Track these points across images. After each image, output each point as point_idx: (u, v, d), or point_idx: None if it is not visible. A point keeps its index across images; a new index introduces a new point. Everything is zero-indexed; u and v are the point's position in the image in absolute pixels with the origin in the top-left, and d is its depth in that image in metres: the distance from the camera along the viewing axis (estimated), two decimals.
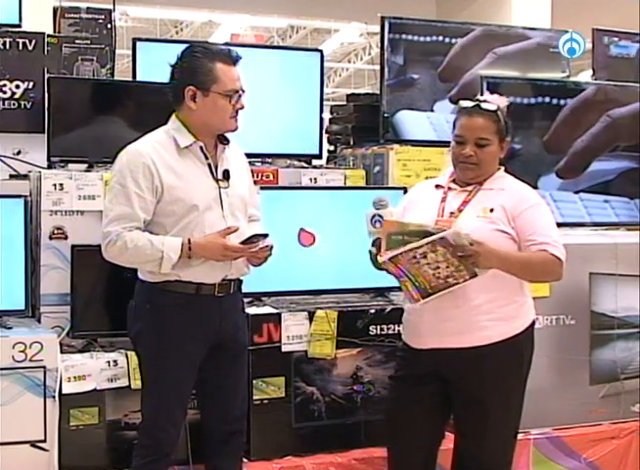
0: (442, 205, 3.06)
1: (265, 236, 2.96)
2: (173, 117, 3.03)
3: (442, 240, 2.78)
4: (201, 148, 2.99)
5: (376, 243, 2.97)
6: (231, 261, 2.98)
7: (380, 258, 2.89)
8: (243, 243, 2.91)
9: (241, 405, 3.18)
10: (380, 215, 2.98)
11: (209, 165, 3.00)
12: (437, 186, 3.15)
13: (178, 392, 3.02)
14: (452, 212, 3.03)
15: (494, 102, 3.09)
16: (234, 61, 2.99)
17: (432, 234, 2.79)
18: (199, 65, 2.95)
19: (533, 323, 3.11)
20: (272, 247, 3.01)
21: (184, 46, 3.06)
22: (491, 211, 2.99)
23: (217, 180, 3.00)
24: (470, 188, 3.07)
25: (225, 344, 3.04)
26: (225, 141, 3.06)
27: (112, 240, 2.90)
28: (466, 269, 2.83)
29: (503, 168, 3.16)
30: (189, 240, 2.90)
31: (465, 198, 3.05)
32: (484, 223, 2.97)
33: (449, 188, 3.11)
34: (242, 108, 2.99)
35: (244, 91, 3.00)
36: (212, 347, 3.02)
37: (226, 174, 3.02)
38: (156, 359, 2.99)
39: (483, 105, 3.07)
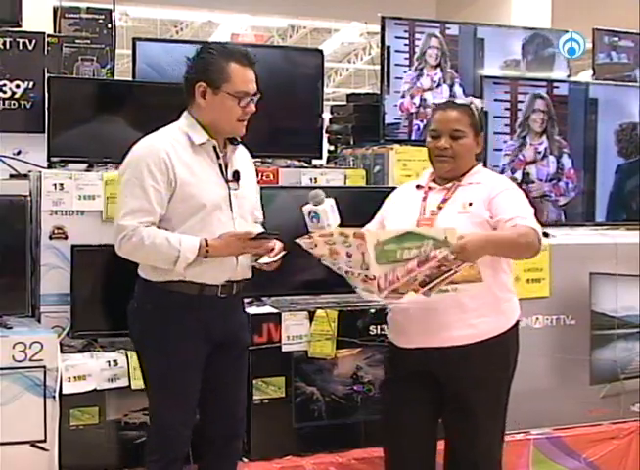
0: (423, 204, 3.07)
1: (276, 235, 2.95)
2: (185, 113, 2.99)
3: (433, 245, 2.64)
4: (214, 147, 2.96)
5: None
6: (237, 263, 2.95)
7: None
8: (253, 239, 2.89)
9: (242, 408, 3.15)
10: (315, 212, 2.88)
11: (220, 166, 2.97)
12: (418, 187, 3.16)
13: (184, 392, 2.97)
14: (433, 211, 3.03)
15: (467, 99, 3.19)
16: (250, 62, 2.94)
17: (426, 237, 2.64)
18: (213, 62, 2.91)
19: (517, 323, 3.09)
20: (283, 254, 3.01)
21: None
22: (470, 204, 2.99)
23: (227, 181, 2.97)
24: (449, 185, 3.08)
25: (227, 344, 3.02)
26: (235, 141, 3.04)
27: (127, 235, 2.81)
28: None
29: (481, 164, 3.18)
30: (206, 241, 2.85)
31: (444, 195, 3.06)
32: (465, 218, 2.97)
33: (429, 188, 3.12)
34: (252, 112, 2.95)
35: (257, 94, 2.95)
36: (214, 347, 2.99)
37: (236, 176, 2.99)
38: (159, 360, 2.94)
39: (456, 100, 3.25)
